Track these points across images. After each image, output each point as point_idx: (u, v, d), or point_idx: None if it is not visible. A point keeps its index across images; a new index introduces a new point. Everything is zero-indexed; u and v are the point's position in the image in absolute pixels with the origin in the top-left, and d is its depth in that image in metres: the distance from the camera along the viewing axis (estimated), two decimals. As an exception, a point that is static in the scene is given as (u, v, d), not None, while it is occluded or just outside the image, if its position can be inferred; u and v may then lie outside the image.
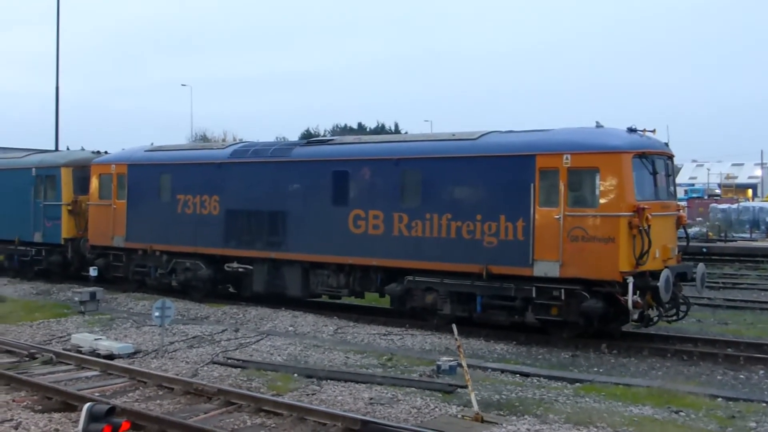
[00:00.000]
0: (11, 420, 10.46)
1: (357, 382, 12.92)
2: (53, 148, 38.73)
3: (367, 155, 19.34)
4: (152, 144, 25.28)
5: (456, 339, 11.66)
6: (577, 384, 13.23)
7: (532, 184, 16.51)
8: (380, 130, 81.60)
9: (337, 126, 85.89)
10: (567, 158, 16.20)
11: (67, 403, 11.36)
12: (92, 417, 8.38)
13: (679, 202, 19.95)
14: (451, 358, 13.99)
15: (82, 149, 28.56)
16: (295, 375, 13.43)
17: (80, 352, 15.23)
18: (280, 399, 11.56)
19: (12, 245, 28.27)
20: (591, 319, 16.28)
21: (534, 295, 16.56)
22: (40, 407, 11.32)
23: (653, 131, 16.98)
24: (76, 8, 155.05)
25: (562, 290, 16.24)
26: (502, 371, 14.13)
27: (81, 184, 26.23)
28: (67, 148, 30.86)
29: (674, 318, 17.02)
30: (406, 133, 63.15)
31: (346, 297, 20.45)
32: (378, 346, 16.56)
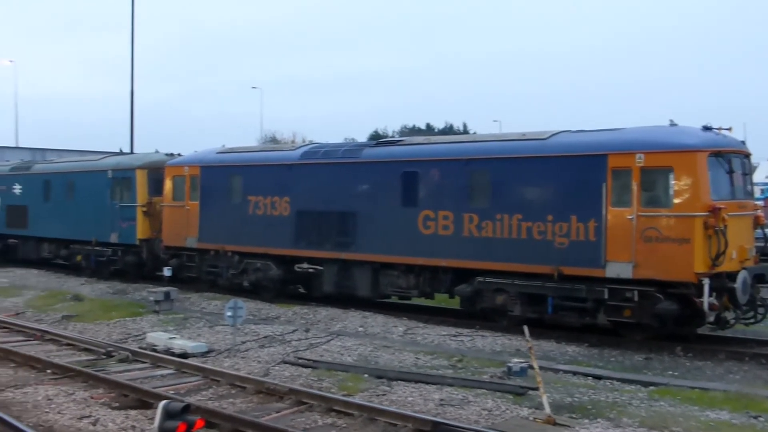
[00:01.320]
0: (90, 416, 10.70)
1: (427, 383, 12.89)
2: (129, 151, 39.57)
3: (436, 156, 19.30)
4: (224, 146, 25.61)
5: (527, 340, 11.57)
6: (651, 387, 12.98)
7: (604, 184, 16.28)
8: (448, 130, 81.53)
9: (405, 127, 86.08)
10: (640, 157, 15.93)
11: (143, 401, 11.58)
12: (168, 414, 8.51)
13: (756, 202, 19.47)
14: (522, 360, 13.87)
15: (156, 151, 29.09)
16: (366, 375, 13.46)
17: (155, 350, 15.51)
18: (350, 399, 11.60)
19: (89, 246, 28.91)
20: (665, 322, 15.98)
21: (606, 296, 16.32)
22: (117, 404, 11.55)
23: (729, 129, 16.60)
24: (150, 14, 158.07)
25: (635, 292, 15.97)
26: (574, 373, 13.95)
27: (155, 186, 26.71)
28: (129, 151, 31.48)
29: (752, 321, 16.60)
30: (474, 133, 62.95)
31: (416, 298, 20.44)
32: (448, 347, 16.51)
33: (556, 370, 14.07)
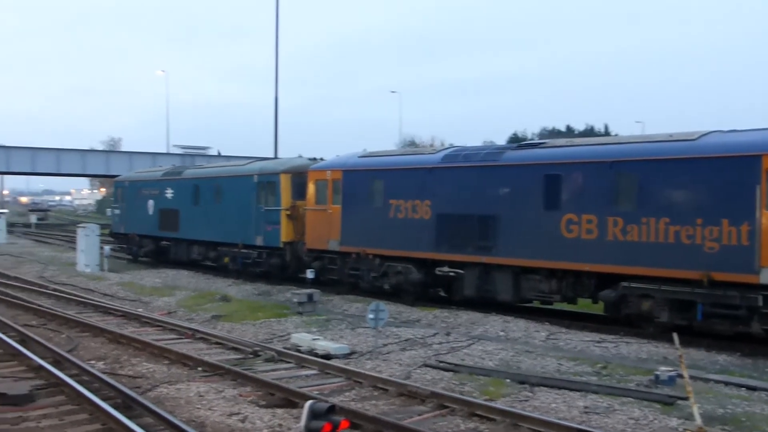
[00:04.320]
0: (238, 413, 11.04)
1: (571, 390, 12.66)
2: (273, 156, 40.66)
3: (579, 158, 18.95)
4: (365, 150, 25.95)
5: (677, 348, 11.18)
6: (811, 400, 12.33)
7: (757, 186, 15.58)
8: (589, 132, 80.00)
9: (544, 129, 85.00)
10: (797, 158, 15.17)
11: (289, 400, 11.83)
12: (313, 414, 8.66)
13: None
14: (670, 368, 13.43)
15: (300, 156, 29.76)
16: (507, 380, 13.35)
17: (299, 351, 15.84)
18: (493, 404, 11.51)
19: (236, 248, 29.82)
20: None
21: (761, 303, 15.60)
22: (264, 402, 11.85)
23: None
24: (291, 22, 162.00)
25: (793, 299, 15.21)
26: (726, 383, 13.38)
27: (298, 190, 27.26)
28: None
29: None
30: (617, 134, 61.50)
31: (558, 303, 20.13)
32: (591, 353, 16.17)
33: (707, 380, 13.54)
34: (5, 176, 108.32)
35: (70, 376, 12.88)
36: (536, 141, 23.50)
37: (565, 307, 20.91)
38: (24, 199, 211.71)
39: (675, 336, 11.45)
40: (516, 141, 62.38)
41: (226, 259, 30.68)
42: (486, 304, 20.96)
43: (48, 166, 76.10)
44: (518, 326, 18.75)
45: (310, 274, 24.66)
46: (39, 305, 21.82)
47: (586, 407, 11.57)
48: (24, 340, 16.46)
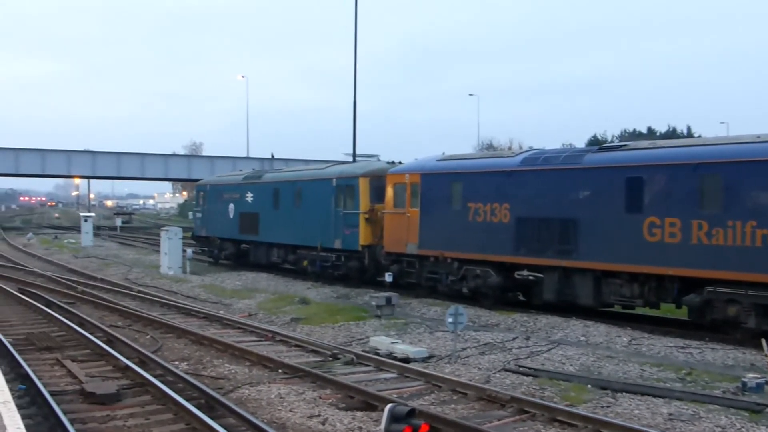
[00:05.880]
0: (319, 415, 11.14)
1: (654, 396, 12.43)
2: (351, 160, 40.88)
3: (662, 160, 18.60)
4: (443, 153, 25.91)
5: (765, 354, 10.89)
6: None
7: None
8: (671, 134, 78.49)
9: (625, 131, 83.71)
10: None
11: (368, 403, 11.88)
12: (393, 417, 8.72)
13: None
14: (759, 375, 13.08)
15: (378, 159, 29.85)
16: (589, 386, 13.16)
17: (378, 354, 15.90)
18: (574, 410, 11.38)
19: (315, 251, 30.08)
20: None
21: None
22: (343, 405, 11.93)
23: None
24: (368, 25, 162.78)
25: None
26: (818, 392, 13.00)
27: (377, 194, 27.37)
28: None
29: None
30: (700, 136, 60.23)
31: (640, 307, 19.79)
32: (675, 359, 15.85)
33: (797, 388, 13.16)
34: (92, 180, 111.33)
35: (155, 376, 13.18)
36: (617, 143, 23.18)
37: (648, 311, 20.54)
38: (109, 203, 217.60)
39: (764, 342, 11.18)
40: (596, 143, 61.51)
41: (305, 262, 30.94)
42: (566, 308, 20.74)
43: (132, 171, 78.14)
44: (599, 331, 18.49)
45: (388, 277, 24.77)
46: (124, 306, 22.38)
47: (670, 414, 11.34)
48: (111, 340, 16.91)
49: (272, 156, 78.05)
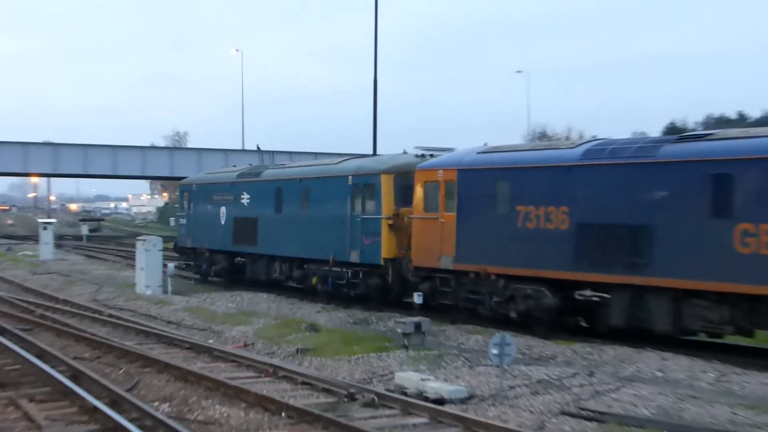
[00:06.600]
0: (332, 470, 11.14)
1: (749, 447, 12.40)
2: (371, 152, 40.78)
3: (758, 153, 18.49)
4: (486, 144, 25.86)
5: None
6: None
7: None
8: (767, 121, 78.06)
9: (710, 117, 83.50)
10: None
11: (393, 454, 11.89)
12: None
13: None
14: None
15: (404, 152, 29.63)
16: (668, 433, 13.16)
17: (405, 393, 15.88)
18: (649, 463, 11.35)
19: (326, 266, 29.95)
20: None
21: None
22: (362, 457, 11.95)
23: None
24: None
25: None
26: None
27: (403, 194, 27.14)
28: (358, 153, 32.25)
29: None
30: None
31: (730, 335, 19.69)
32: (775, 400, 15.80)
33: None
34: (52, 179, 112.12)
35: (131, 420, 13.24)
36: (701, 132, 23.10)
37: (739, 340, 20.46)
38: (74, 207, 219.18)
39: None
40: (674, 132, 61.27)
41: (315, 280, 30.90)
42: (638, 336, 20.67)
43: (102, 167, 78.39)
44: (680, 365, 18.44)
45: (417, 298, 24.68)
46: (93, 334, 22.51)
47: (769, 469, 11.30)
48: (76, 376, 17.00)
49: (263, 150, 77.84)
